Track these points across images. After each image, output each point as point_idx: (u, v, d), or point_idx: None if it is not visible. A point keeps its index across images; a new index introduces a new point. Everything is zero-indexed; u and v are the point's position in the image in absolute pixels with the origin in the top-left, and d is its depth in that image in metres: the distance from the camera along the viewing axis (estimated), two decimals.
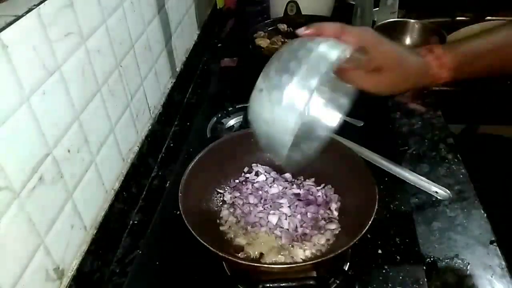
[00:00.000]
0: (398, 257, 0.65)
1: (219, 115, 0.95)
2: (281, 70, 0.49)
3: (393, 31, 1.17)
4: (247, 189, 0.73)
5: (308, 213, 0.68)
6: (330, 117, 0.57)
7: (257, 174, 0.75)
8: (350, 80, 0.53)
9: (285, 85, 0.48)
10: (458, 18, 1.36)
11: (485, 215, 0.70)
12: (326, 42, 0.48)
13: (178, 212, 0.59)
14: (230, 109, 0.96)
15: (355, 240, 0.54)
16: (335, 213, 0.68)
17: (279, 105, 0.48)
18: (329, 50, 0.48)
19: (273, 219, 0.66)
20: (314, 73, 0.47)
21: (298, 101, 0.47)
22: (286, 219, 0.67)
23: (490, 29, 0.59)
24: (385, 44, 0.52)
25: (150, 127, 0.85)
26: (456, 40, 0.60)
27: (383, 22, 1.18)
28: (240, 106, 0.96)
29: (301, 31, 0.50)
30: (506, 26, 0.59)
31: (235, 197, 0.71)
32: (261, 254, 0.63)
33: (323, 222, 0.67)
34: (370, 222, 0.55)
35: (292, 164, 0.57)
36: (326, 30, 0.49)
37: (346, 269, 0.63)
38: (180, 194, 0.62)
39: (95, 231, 0.65)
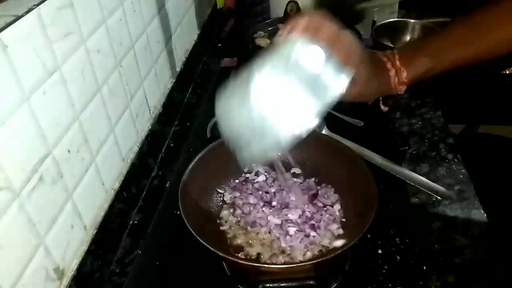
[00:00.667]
0: (398, 257, 0.65)
1: None
2: (277, 78, 0.47)
3: (393, 31, 1.17)
4: (247, 189, 0.73)
5: (308, 213, 0.68)
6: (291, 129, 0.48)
7: (257, 174, 0.75)
8: None
9: (278, 105, 0.46)
10: (458, 18, 1.36)
11: (485, 215, 0.70)
12: (331, 66, 0.48)
13: (178, 212, 0.59)
14: None
15: (355, 240, 0.54)
16: (336, 213, 0.68)
17: (263, 116, 0.46)
18: (333, 80, 0.47)
19: (273, 219, 0.66)
20: (314, 110, 0.46)
21: (283, 133, 0.46)
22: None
23: (446, 28, 0.65)
24: (366, 61, 0.55)
25: (150, 127, 0.85)
26: (415, 43, 0.63)
27: (383, 22, 1.18)
28: None
29: (299, 28, 0.50)
30: (458, 23, 0.65)
31: (235, 197, 0.71)
32: (261, 254, 0.63)
33: (323, 222, 0.67)
34: (370, 222, 0.55)
35: (246, 163, 0.54)
36: (322, 33, 0.50)
37: (346, 269, 0.63)
38: (180, 194, 0.62)
39: (95, 231, 0.64)
